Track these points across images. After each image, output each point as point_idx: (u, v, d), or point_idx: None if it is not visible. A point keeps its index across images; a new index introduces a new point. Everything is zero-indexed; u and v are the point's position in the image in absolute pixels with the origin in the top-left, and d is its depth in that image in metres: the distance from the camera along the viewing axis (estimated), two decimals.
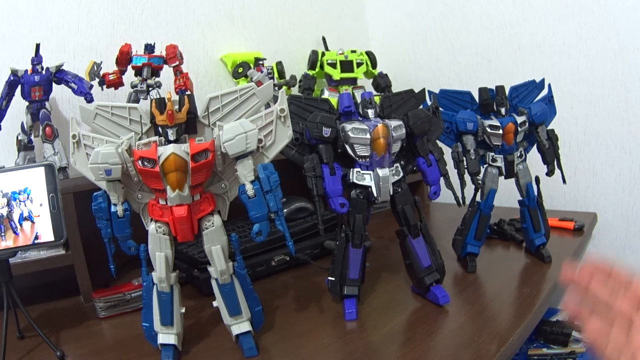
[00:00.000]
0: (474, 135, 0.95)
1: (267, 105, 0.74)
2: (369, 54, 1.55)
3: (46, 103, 1.06)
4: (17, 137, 1.06)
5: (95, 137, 0.67)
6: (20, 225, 0.75)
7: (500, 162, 0.97)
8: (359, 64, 1.52)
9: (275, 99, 0.79)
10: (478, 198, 1.00)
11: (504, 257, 1.11)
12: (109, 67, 1.13)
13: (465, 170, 0.95)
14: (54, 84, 1.07)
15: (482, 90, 0.97)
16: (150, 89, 1.15)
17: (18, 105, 1.05)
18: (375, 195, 0.80)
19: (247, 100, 0.70)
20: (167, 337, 0.71)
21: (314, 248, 1.13)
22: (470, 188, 0.96)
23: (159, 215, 0.69)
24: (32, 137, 1.07)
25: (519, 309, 0.81)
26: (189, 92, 1.14)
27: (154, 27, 1.36)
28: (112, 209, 0.68)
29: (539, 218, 1.02)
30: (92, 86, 1.09)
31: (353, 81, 1.53)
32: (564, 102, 1.33)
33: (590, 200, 1.41)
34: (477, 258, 1.02)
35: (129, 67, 1.15)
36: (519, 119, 0.95)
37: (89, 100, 1.07)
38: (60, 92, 1.14)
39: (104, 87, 1.13)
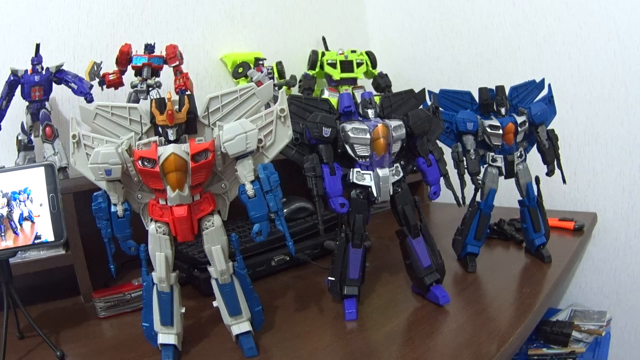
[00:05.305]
0: (474, 135, 0.95)
1: (267, 105, 0.74)
2: (369, 54, 1.55)
3: (46, 103, 1.07)
4: (17, 137, 1.06)
5: (95, 137, 0.67)
6: (20, 225, 0.75)
7: (500, 162, 0.97)
8: (359, 64, 1.52)
9: (275, 99, 0.79)
10: (478, 198, 1.00)
11: (504, 257, 1.11)
12: (109, 67, 1.14)
13: (465, 170, 0.95)
14: (54, 84, 1.07)
15: (482, 90, 0.97)
16: (150, 89, 1.15)
17: (18, 105, 1.06)
18: (375, 195, 0.80)
19: (247, 100, 0.70)
20: (167, 337, 0.71)
21: (314, 248, 1.13)
22: (470, 188, 0.95)
23: (159, 215, 0.69)
24: (32, 137, 1.07)
25: (519, 309, 0.81)
26: (189, 92, 1.14)
27: (154, 27, 1.36)
28: (112, 209, 0.68)
29: (539, 218, 1.02)
30: (92, 86, 1.10)
31: (353, 81, 1.53)
32: (564, 102, 1.33)
33: (590, 200, 1.41)
34: (477, 258, 1.02)
35: (129, 67, 1.15)
36: (519, 119, 0.95)
37: (89, 100, 1.07)
38: (60, 92, 1.14)
39: (104, 87, 1.13)
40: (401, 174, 0.83)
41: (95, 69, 1.10)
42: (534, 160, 1.01)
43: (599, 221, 1.36)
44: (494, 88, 0.96)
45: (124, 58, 1.14)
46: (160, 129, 0.67)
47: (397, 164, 0.83)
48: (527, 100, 1.00)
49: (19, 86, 1.03)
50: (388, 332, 0.77)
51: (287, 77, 1.46)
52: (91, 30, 1.25)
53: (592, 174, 1.40)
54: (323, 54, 1.53)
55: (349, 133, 0.77)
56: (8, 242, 0.74)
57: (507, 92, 0.97)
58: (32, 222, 0.76)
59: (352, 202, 0.80)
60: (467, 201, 0.98)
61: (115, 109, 0.68)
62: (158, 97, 0.87)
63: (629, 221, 1.34)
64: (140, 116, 0.68)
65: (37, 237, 0.76)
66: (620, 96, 1.31)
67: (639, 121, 1.29)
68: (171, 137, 0.67)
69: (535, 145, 1.01)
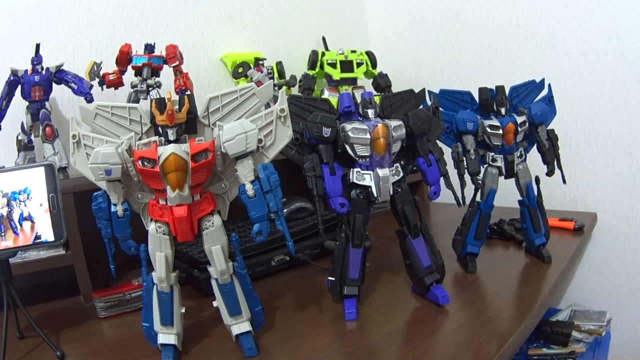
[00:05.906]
0: (474, 135, 0.95)
1: (267, 105, 0.74)
2: (369, 54, 1.55)
3: (46, 103, 1.06)
4: (17, 137, 1.06)
5: (95, 137, 0.67)
6: (20, 225, 0.75)
7: (500, 162, 0.97)
8: (359, 64, 1.52)
9: (275, 99, 0.79)
10: (478, 198, 1.00)
11: (504, 257, 1.11)
12: (109, 67, 1.13)
13: (465, 170, 0.95)
14: (54, 84, 1.07)
15: (482, 90, 0.97)
16: (150, 89, 1.15)
17: (18, 105, 1.05)
18: (375, 195, 0.80)
19: (247, 100, 0.70)
20: (167, 337, 0.71)
21: (314, 248, 1.13)
22: (470, 188, 0.95)
23: (159, 215, 0.69)
24: (32, 137, 1.07)
25: (519, 309, 0.82)
26: (189, 92, 1.14)
27: (154, 27, 1.36)
28: (112, 209, 0.68)
29: (539, 218, 1.02)
30: (92, 86, 1.09)
31: (353, 81, 1.53)
32: (564, 102, 1.33)
33: (590, 200, 1.41)
34: (477, 258, 1.02)
35: (129, 67, 1.15)
36: (519, 119, 0.95)
37: (89, 100, 1.07)
38: (60, 92, 1.14)
39: (104, 87, 1.13)
40: (401, 174, 0.83)
41: (95, 69, 1.10)
42: (534, 160, 1.01)
43: (599, 221, 1.36)
44: (494, 88, 0.96)
45: (124, 58, 1.13)
46: (160, 129, 0.67)
47: (397, 164, 0.83)
48: (527, 100, 1.00)
49: (19, 86, 1.03)
50: (388, 332, 0.77)
51: (287, 77, 1.46)
52: (91, 30, 1.25)
53: (592, 173, 1.40)
54: (323, 54, 1.53)
55: (349, 133, 0.77)
56: (8, 242, 0.74)
57: (507, 92, 0.97)
58: (32, 222, 0.76)
59: (352, 202, 0.80)
60: (467, 201, 0.98)
61: (115, 109, 0.68)
62: (158, 97, 0.88)
63: (629, 221, 1.34)
64: (140, 116, 0.68)
65: (37, 237, 0.76)
66: (620, 96, 1.31)
67: (639, 121, 1.29)
68: (171, 137, 0.67)
69: (535, 145, 1.01)
